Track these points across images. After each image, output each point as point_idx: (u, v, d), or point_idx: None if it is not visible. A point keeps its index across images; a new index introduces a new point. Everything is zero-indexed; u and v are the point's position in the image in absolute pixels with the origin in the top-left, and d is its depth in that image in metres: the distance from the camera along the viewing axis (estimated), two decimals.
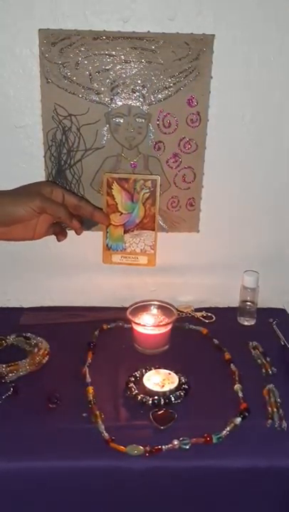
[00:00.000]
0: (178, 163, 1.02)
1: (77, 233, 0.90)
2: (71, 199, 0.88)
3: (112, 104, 0.97)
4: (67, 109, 0.97)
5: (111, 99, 0.97)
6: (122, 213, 0.97)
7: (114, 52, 0.94)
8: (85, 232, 1.06)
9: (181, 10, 0.92)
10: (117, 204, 0.97)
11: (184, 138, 1.00)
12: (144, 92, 0.96)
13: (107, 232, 0.98)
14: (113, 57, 0.94)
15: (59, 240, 0.91)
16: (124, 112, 0.97)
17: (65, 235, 0.91)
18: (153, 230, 0.98)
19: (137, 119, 0.98)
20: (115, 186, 0.96)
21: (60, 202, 0.87)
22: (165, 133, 0.99)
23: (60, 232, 0.90)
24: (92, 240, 1.06)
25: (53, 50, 0.93)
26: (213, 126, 1.00)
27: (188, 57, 0.94)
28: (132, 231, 0.98)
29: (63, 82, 0.95)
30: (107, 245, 0.99)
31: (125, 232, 0.98)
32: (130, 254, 0.99)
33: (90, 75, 0.95)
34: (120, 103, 0.97)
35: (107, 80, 0.95)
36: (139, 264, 0.99)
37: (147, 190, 0.96)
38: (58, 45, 0.93)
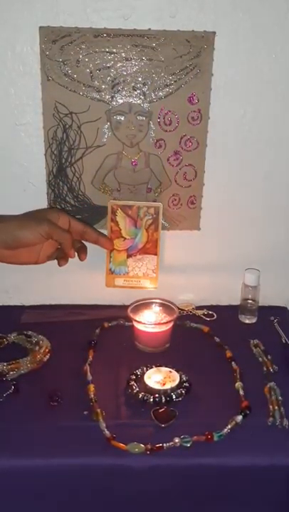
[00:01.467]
0: (179, 160, 1.02)
1: (81, 259, 0.92)
2: (77, 225, 0.90)
3: (112, 102, 0.97)
4: (67, 107, 0.97)
5: (112, 97, 0.96)
6: (125, 239, 1.00)
7: (115, 50, 0.93)
8: None
9: (182, 7, 0.92)
10: (120, 230, 1.00)
11: (184, 135, 1.00)
12: (144, 89, 0.96)
13: (110, 256, 1.01)
14: (114, 55, 0.94)
15: (60, 265, 0.92)
16: (125, 110, 0.97)
17: (66, 260, 0.92)
18: (155, 254, 1.01)
19: (138, 117, 0.98)
20: (119, 213, 0.98)
21: (66, 228, 0.88)
22: (166, 131, 0.99)
23: (62, 257, 0.91)
24: None
25: (54, 48, 0.93)
26: (214, 124, 0.99)
27: (189, 54, 0.94)
28: (135, 255, 1.01)
29: (64, 79, 0.95)
30: (110, 269, 1.02)
31: (128, 256, 1.01)
32: (133, 277, 1.01)
33: (91, 72, 0.95)
34: (121, 101, 0.97)
35: (108, 78, 0.95)
36: (142, 288, 1.01)
37: (150, 217, 0.99)
38: (59, 43, 0.92)
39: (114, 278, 1.02)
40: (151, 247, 1.00)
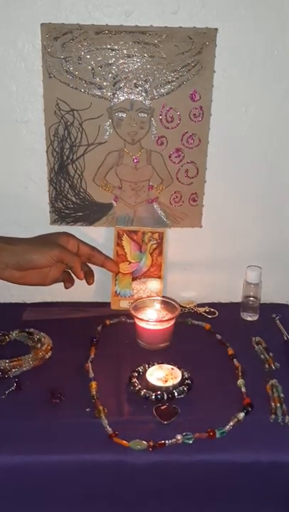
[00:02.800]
0: (181, 158, 1.01)
1: (89, 283, 0.96)
2: (85, 249, 0.95)
3: (114, 99, 0.97)
4: (69, 104, 0.97)
5: (113, 94, 0.96)
6: (130, 262, 1.04)
7: (116, 47, 0.93)
8: (88, 229, 1.06)
9: (184, 3, 0.91)
10: (126, 254, 1.04)
11: (186, 133, 0.99)
12: (146, 86, 0.96)
13: (116, 279, 1.05)
14: (116, 52, 0.93)
15: (66, 287, 0.95)
16: (126, 107, 0.97)
17: (72, 283, 0.95)
18: (159, 277, 1.04)
19: (140, 114, 0.98)
20: (125, 238, 1.03)
21: (75, 252, 0.93)
22: (168, 128, 0.99)
23: (68, 280, 0.95)
24: (95, 236, 1.06)
25: (56, 45, 0.93)
26: (216, 121, 0.99)
27: (191, 51, 0.94)
28: (140, 279, 1.05)
29: (66, 76, 0.95)
30: (116, 292, 1.05)
31: (133, 279, 1.05)
32: (137, 300, 1.03)
33: (93, 69, 0.95)
34: (123, 98, 0.97)
35: (110, 75, 0.95)
36: None
37: (154, 242, 1.03)
38: (61, 40, 0.92)
39: (120, 300, 1.06)
40: (156, 271, 1.05)
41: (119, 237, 1.04)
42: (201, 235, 1.07)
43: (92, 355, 0.91)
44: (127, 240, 1.03)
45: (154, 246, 1.04)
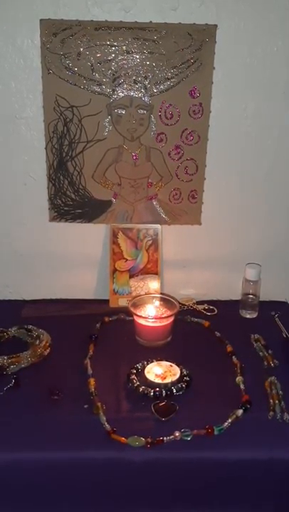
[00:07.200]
0: (180, 155, 1.01)
1: None
2: None
3: (113, 96, 0.96)
4: (68, 101, 0.96)
5: (113, 90, 0.96)
6: (127, 260, 1.04)
7: (116, 43, 0.93)
8: (87, 226, 1.06)
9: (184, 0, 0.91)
10: (122, 251, 1.04)
11: (186, 129, 0.99)
12: (146, 82, 0.96)
13: (113, 277, 1.05)
14: (115, 48, 0.93)
15: None
16: (125, 103, 0.97)
17: None
18: (156, 273, 1.04)
19: (139, 111, 0.97)
20: (120, 235, 1.03)
21: None
22: (167, 124, 0.99)
23: None
24: (94, 233, 1.06)
25: (55, 41, 0.92)
26: (216, 118, 0.99)
27: (190, 47, 0.93)
28: (137, 276, 1.05)
29: (65, 73, 0.94)
30: (114, 290, 1.05)
31: (130, 277, 1.05)
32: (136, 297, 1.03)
33: (92, 65, 0.94)
34: (122, 94, 0.96)
35: (109, 71, 0.95)
36: None
37: (150, 238, 1.04)
38: (60, 36, 0.92)
39: (118, 298, 1.06)
40: (152, 267, 1.05)
41: (114, 234, 1.03)
42: (201, 232, 1.07)
43: (91, 352, 0.91)
44: (123, 238, 1.03)
45: (150, 242, 1.03)
